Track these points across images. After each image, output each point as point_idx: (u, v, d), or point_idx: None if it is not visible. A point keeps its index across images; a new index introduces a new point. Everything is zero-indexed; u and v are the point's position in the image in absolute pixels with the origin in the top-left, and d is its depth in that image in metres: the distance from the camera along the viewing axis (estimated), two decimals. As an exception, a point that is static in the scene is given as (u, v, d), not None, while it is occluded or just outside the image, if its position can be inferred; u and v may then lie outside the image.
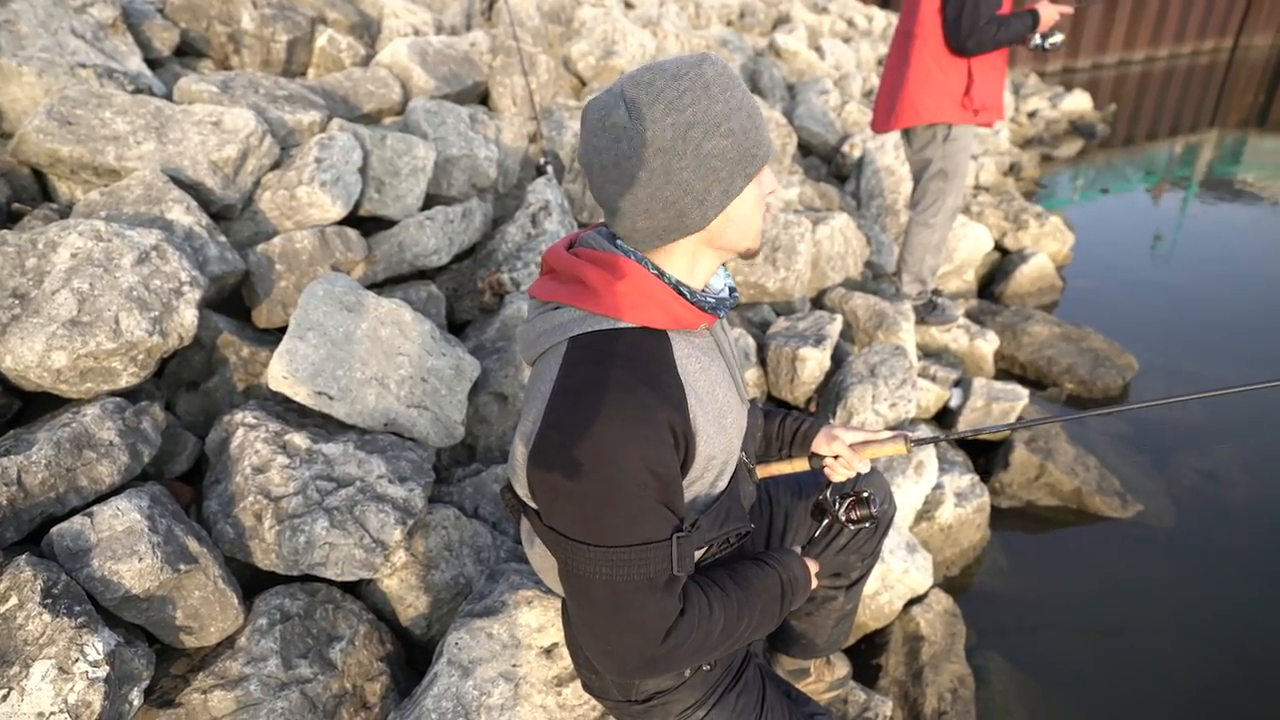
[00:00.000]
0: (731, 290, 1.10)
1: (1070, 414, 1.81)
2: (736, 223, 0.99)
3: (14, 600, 1.19)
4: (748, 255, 1.05)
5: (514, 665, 1.44)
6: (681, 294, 1.00)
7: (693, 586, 1.05)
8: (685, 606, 1.01)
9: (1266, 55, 14.52)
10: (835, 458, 1.36)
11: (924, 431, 2.52)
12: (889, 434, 1.34)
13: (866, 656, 2.15)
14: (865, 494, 1.35)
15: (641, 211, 0.95)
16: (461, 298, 2.72)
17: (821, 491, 1.39)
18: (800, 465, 1.39)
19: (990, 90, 2.91)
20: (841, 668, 1.84)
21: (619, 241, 1.02)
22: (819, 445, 1.37)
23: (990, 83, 2.91)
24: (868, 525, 1.34)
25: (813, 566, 1.28)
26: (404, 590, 1.73)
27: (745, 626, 1.10)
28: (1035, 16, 2.78)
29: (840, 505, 1.35)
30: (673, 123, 0.90)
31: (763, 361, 2.78)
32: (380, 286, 2.53)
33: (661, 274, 1.00)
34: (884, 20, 10.14)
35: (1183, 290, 4.68)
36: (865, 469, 1.35)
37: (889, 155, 4.61)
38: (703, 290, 1.03)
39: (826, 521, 1.39)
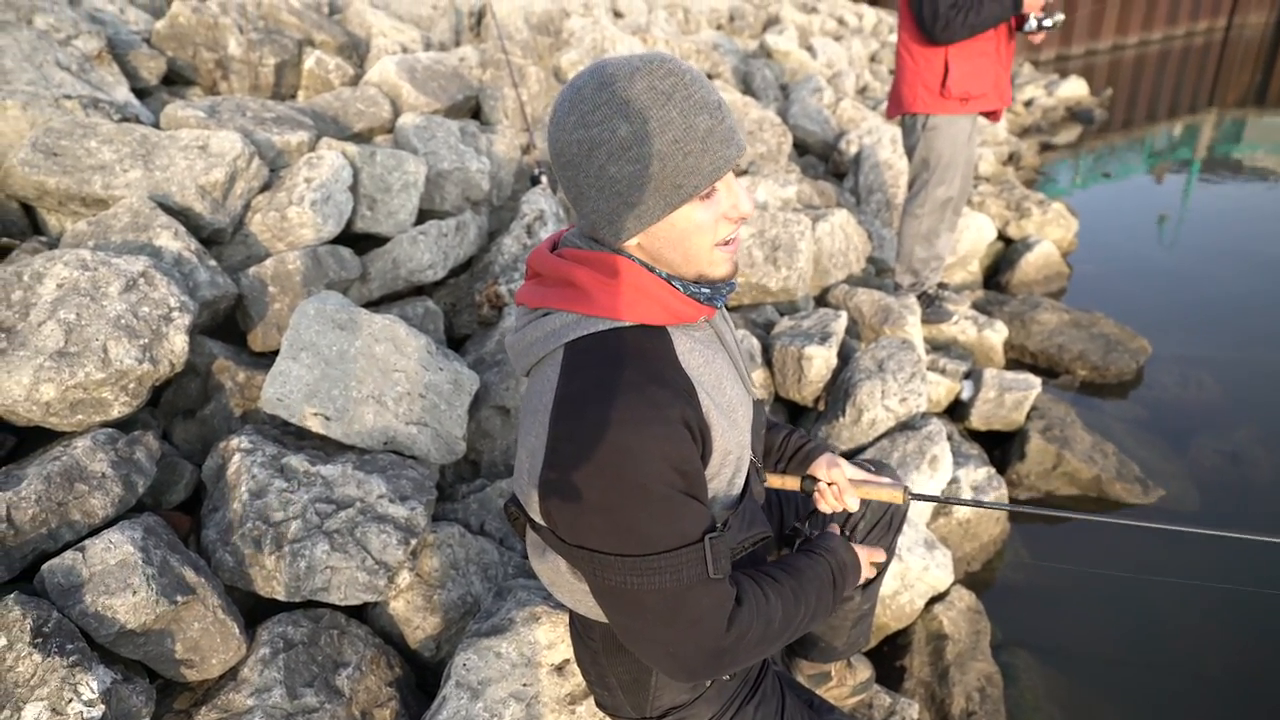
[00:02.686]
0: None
1: (1062, 513, 1.77)
2: (671, 246, 0.93)
3: (3, 641, 1.15)
4: (709, 281, 0.97)
5: (525, 685, 1.39)
6: (674, 287, 0.96)
7: (744, 578, 1.02)
8: (741, 596, 0.98)
9: (1261, 33, 14.45)
10: (830, 484, 1.31)
11: (933, 423, 2.46)
12: (889, 481, 1.33)
13: (890, 658, 2.09)
14: (847, 532, 1.30)
15: (574, 210, 0.96)
16: (460, 312, 2.69)
17: (803, 519, 1.34)
18: (792, 484, 1.34)
19: (978, 77, 2.84)
20: (864, 671, 1.78)
21: None
22: (818, 469, 1.33)
23: (977, 70, 2.84)
24: None
25: (863, 554, 1.23)
26: (411, 612, 1.68)
27: (803, 615, 1.06)
28: None
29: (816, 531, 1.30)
30: (579, 139, 0.88)
31: (768, 362, 2.74)
32: (377, 304, 2.50)
33: (652, 268, 0.96)
34: (874, 17, 10.15)
35: (1191, 271, 4.61)
36: (854, 507, 1.31)
37: (886, 150, 4.57)
38: (695, 282, 0.98)
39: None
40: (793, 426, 1.42)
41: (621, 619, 0.95)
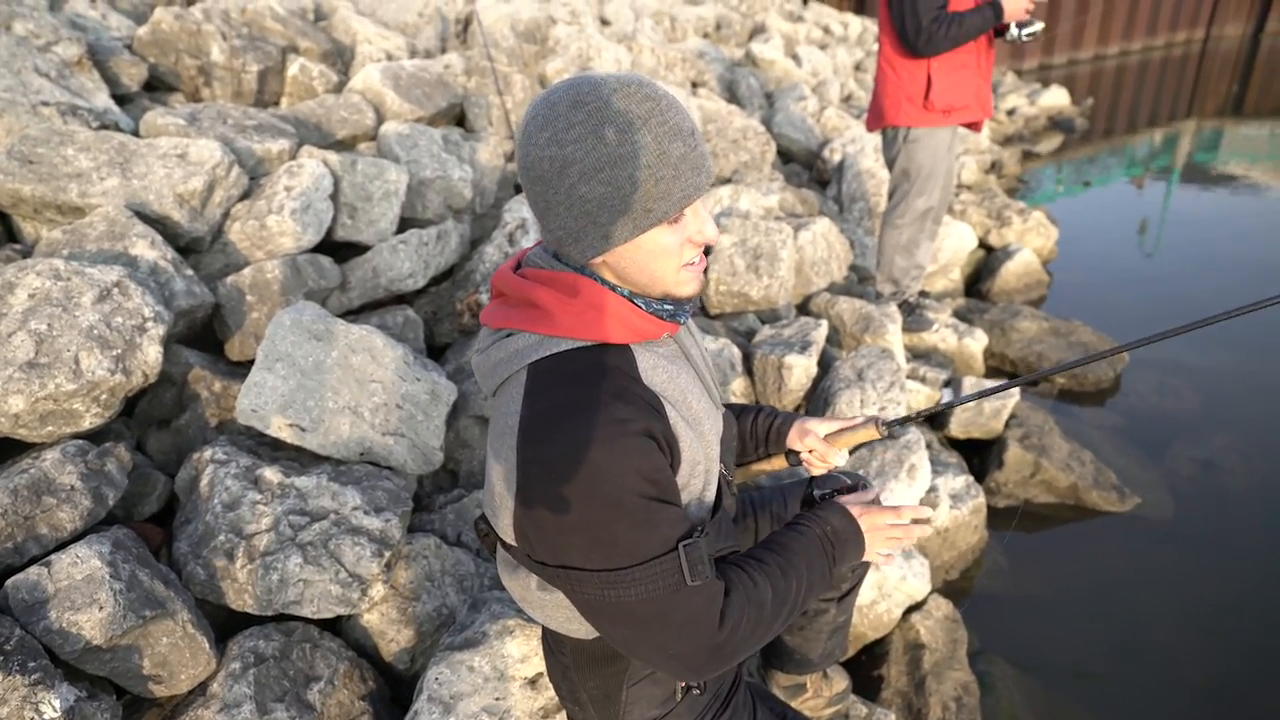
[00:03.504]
0: None
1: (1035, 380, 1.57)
2: (636, 268, 0.93)
3: (-36, 659, 1.14)
4: (676, 301, 0.98)
5: (497, 699, 1.39)
6: (637, 305, 0.96)
7: (729, 567, 1.02)
8: (729, 588, 0.98)
9: (1238, 44, 14.67)
10: (810, 452, 1.33)
11: (911, 432, 2.47)
12: (860, 419, 1.32)
13: (867, 668, 2.09)
14: (851, 482, 1.32)
15: (539, 226, 0.96)
16: (441, 321, 2.69)
17: (807, 487, 1.35)
18: (778, 464, 1.37)
19: (960, 90, 2.87)
20: (840, 682, 1.79)
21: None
22: (792, 441, 1.35)
23: (959, 82, 2.86)
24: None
25: (860, 512, 1.17)
26: (385, 624, 1.67)
27: (796, 589, 1.05)
28: (996, 7, 2.71)
29: (830, 495, 1.31)
30: (551, 156, 0.88)
31: (749, 371, 2.74)
32: (357, 313, 2.49)
33: (614, 287, 0.96)
34: (860, 26, 10.22)
35: (1170, 279, 4.67)
36: (842, 461, 1.33)
37: (869, 158, 4.61)
38: (659, 299, 0.99)
39: None
40: (757, 407, 1.42)
41: (615, 631, 0.95)
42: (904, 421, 1.31)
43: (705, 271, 1.00)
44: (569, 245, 0.93)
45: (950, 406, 1.30)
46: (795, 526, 1.14)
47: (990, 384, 2.98)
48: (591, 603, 0.94)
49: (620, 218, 0.88)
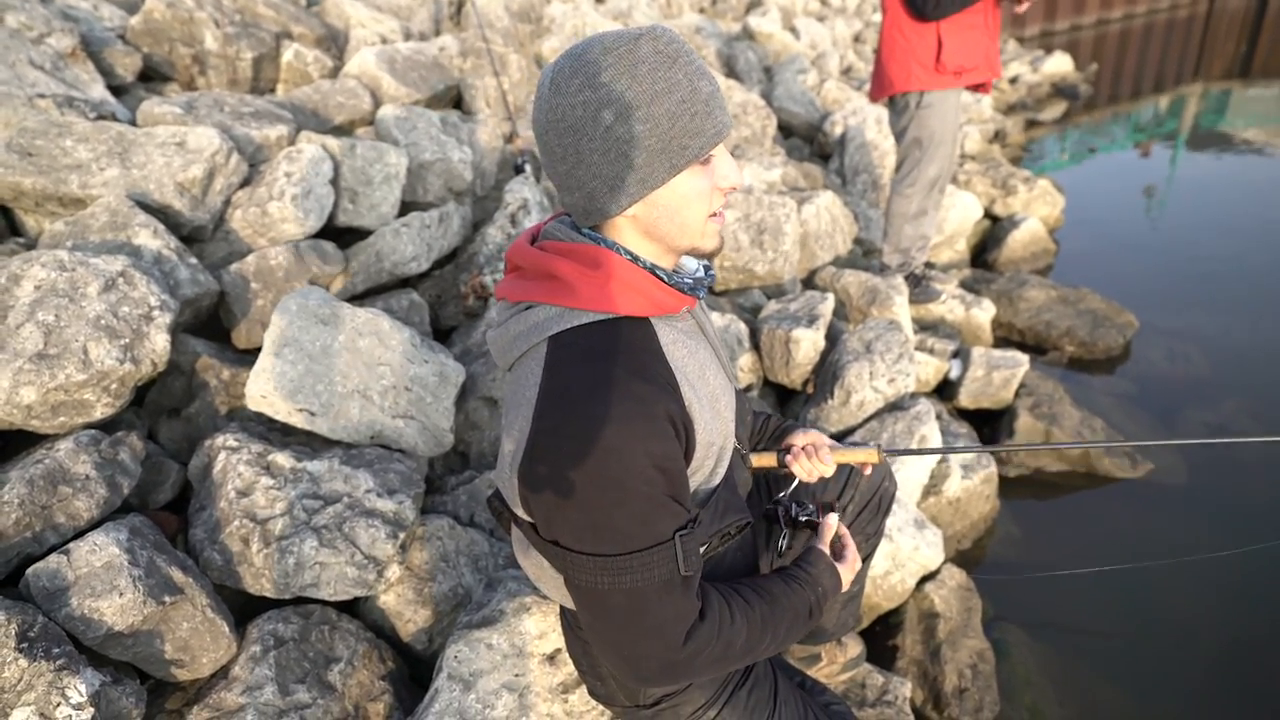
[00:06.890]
0: (706, 269, 1.05)
1: (1046, 444, 1.75)
2: (669, 215, 0.93)
3: (-12, 646, 1.15)
4: (700, 255, 0.98)
5: (517, 675, 1.40)
6: (659, 277, 0.95)
7: (715, 595, 1.01)
8: (706, 612, 0.97)
9: (1245, 3, 14.41)
10: (804, 448, 1.31)
11: (921, 403, 2.47)
12: (864, 445, 1.35)
13: (882, 638, 2.10)
14: (827, 501, 1.33)
15: (562, 187, 0.94)
16: (445, 304, 2.68)
17: (780, 489, 1.35)
18: (769, 460, 1.34)
19: (970, 50, 2.84)
20: (855, 647, 1.79)
21: (586, 230, 0.98)
22: (794, 438, 1.34)
23: (968, 43, 2.83)
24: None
25: (845, 572, 1.19)
26: (402, 605, 1.68)
27: (768, 643, 1.05)
28: None
29: (796, 510, 1.28)
30: (585, 100, 0.86)
31: (756, 346, 2.73)
32: (361, 298, 2.48)
33: (635, 258, 0.95)
34: (858, -3, 10.06)
35: (1178, 244, 4.62)
36: (830, 471, 1.31)
37: (872, 130, 4.56)
38: (676, 271, 0.98)
39: (780, 526, 1.30)
40: (771, 414, 1.43)
41: (585, 615, 0.95)
42: (905, 453, 1.38)
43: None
44: (603, 196, 0.91)
45: (950, 451, 1.53)
46: (792, 582, 1.10)
47: (998, 354, 2.96)
48: (572, 584, 0.93)
49: (657, 156, 0.88)
